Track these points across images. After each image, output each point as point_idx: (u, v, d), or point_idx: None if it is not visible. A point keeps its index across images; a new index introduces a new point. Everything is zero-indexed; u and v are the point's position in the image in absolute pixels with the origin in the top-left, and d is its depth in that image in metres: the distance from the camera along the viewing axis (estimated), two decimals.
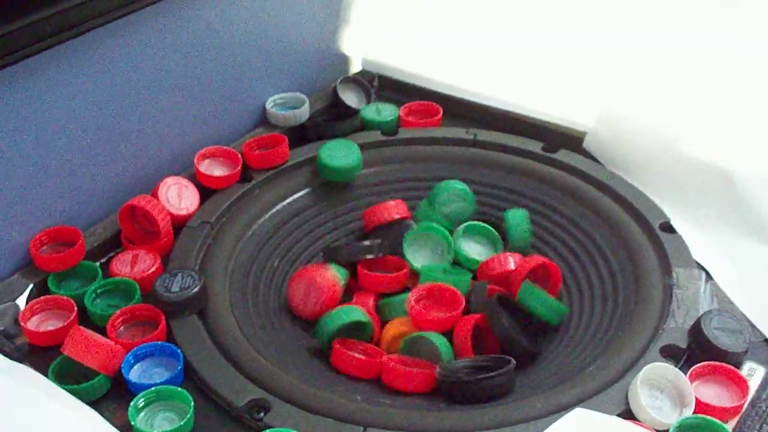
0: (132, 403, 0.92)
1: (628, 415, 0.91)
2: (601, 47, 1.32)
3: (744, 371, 0.97)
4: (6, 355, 0.98)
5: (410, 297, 1.10)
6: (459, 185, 1.25)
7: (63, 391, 0.92)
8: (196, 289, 1.05)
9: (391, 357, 1.05)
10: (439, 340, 1.07)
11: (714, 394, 0.94)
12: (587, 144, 1.33)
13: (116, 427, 0.88)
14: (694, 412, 0.90)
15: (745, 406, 0.93)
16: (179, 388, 0.94)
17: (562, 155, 1.30)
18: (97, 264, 1.14)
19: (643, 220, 1.17)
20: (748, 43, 1.20)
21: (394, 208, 1.24)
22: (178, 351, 0.99)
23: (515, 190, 1.29)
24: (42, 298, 1.06)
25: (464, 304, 1.10)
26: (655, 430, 0.88)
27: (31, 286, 1.09)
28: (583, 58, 1.35)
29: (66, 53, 1.06)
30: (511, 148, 1.33)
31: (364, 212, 1.26)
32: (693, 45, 1.24)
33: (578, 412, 0.85)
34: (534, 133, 1.37)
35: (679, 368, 0.95)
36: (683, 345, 0.99)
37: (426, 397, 1.01)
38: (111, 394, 0.97)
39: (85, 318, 1.06)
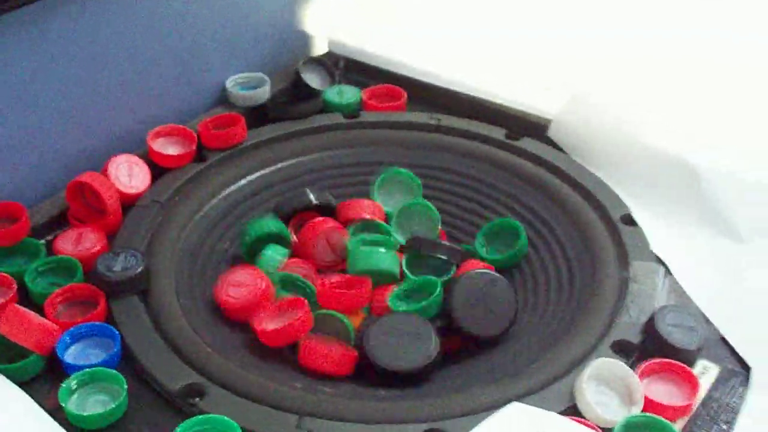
0: (63, 384, 0.89)
1: (573, 411, 0.88)
2: (569, 35, 1.30)
3: (696, 369, 0.94)
4: None
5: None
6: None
7: None
8: (138, 270, 1.02)
9: (309, 336, 1.02)
10: (347, 320, 1.06)
11: (664, 392, 0.91)
12: (552, 132, 1.30)
13: (48, 409, 0.87)
14: (643, 410, 0.87)
15: (696, 405, 0.90)
16: (113, 371, 0.91)
17: (526, 143, 1.28)
18: (42, 242, 1.11)
19: (604, 212, 1.15)
20: (716, 35, 1.18)
21: (370, 208, 1.21)
22: (116, 332, 0.96)
23: (477, 178, 1.27)
24: None
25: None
26: (601, 427, 0.85)
27: None
28: (551, 45, 1.33)
29: (11, 22, 1.03)
30: (475, 134, 1.30)
31: (341, 204, 1.22)
32: (662, 36, 1.22)
33: (515, 406, 0.82)
34: (498, 119, 1.34)
35: (630, 365, 0.93)
36: (635, 341, 0.96)
37: (366, 383, 0.99)
38: (45, 375, 0.94)
39: (26, 297, 1.03)
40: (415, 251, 1.14)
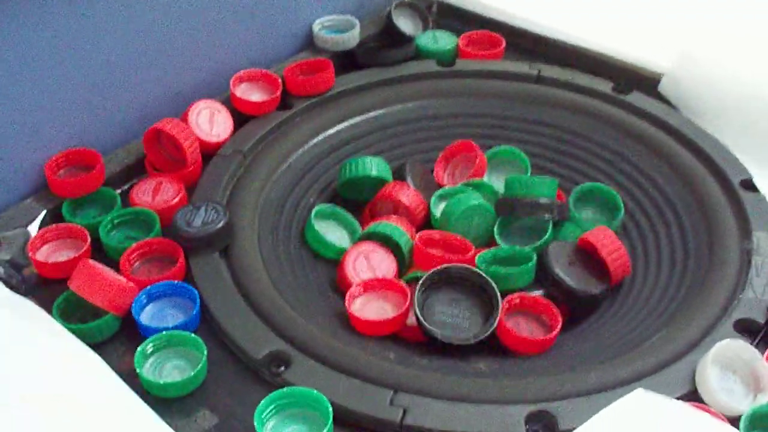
0: (139, 349, 0.84)
1: (693, 397, 0.81)
2: None
3: None
4: (12, 287, 0.91)
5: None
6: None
7: (64, 330, 0.84)
8: (220, 224, 0.96)
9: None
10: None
11: None
12: (663, 87, 1.22)
13: (122, 372, 0.82)
14: None
15: None
16: (192, 334, 0.86)
17: (635, 98, 1.19)
18: (117, 192, 1.05)
19: (722, 176, 1.06)
20: None
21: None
22: (195, 292, 0.90)
23: (580, 133, 1.19)
24: (54, 226, 0.99)
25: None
26: (725, 416, 0.78)
27: (44, 212, 1.01)
28: None
29: None
30: (579, 86, 1.22)
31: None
32: None
33: (639, 393, 0.74)
34: (604, 71, 1.26)
35: (755, 346, 0.85)
36: (761, 319, 0.89)
37: (466, 356, 0.92)
38: (120, 337, 0.89)
39: (100, 250, 0.98)
40: (509, 213, 1.07)
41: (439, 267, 0.96)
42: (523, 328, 0.95)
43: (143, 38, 1.08)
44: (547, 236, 1.04)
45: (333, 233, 1.08)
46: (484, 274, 0.95)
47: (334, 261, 1.04)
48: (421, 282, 0.95)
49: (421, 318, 0.93)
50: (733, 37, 1.18)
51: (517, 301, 0.96)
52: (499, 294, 0.94)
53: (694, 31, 1.22)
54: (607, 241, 1.00)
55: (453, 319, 0.95)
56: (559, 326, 0.93)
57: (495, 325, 0.92)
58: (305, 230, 1.07)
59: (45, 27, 0.96)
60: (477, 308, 0.96)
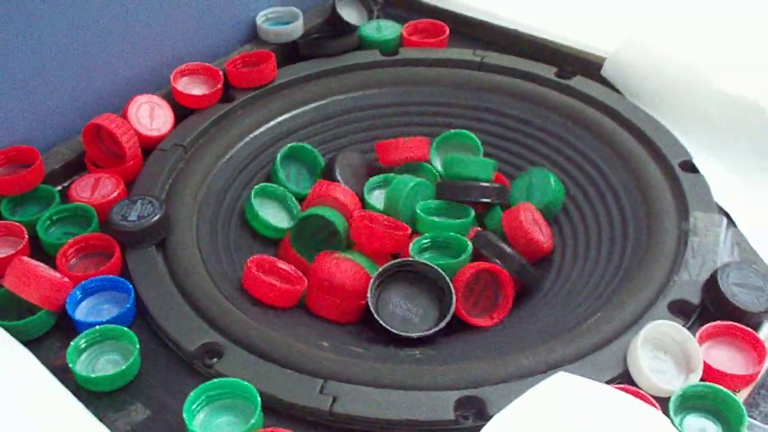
0: (72, 344, 0.84)
1: (626, 378, 0.81)
2: None
3: (763, 334, 0.86)
4: None
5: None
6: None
7: None
8: (155, 218, 0.95)
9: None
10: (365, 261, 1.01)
11: (726, 358, 0.84)
12: (606, 71, 1.21)
13: (57, 368, 0.81)
14: (702, 379, 0.80)
15: (761, 374, 0.82)
16: (125, 328, 0.85)
17: (578, 82, 1.19)
18: (58, 189, 1.05)
19: (662, 158, 1.06)
20: None
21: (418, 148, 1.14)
22: (130, 286, 0.90)
23: (524, 119, 1.19)
24: None
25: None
26: (655, 397, 0.78)
27: None
28: None
29: None
30: (522, 72, 1.22)
31: (379, 144, 1.16)
32: None
33: (561, 376, 0.74)
34: (548, 57, 1.26)
35: (689, 327, 0.86)
36: (695, 301, 0.89)
37: (403, 344, 0.93)
38: (56, 332, 0.89)
39: (39, 248, 0.97)
40: (447, 196, 1.09)
41: (394, 261, 0.97)
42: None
43: (81, 33, 1.07)
44: (468, 219, 1.06)
45: (272, 212, 1.09)
46: (439, 270, 0.96)
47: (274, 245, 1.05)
48: (376, 275, 0.96)
49: (374, 311, 0.94)
50: (674, 22, 1.18)
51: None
52: (453, 288, 0.95)
53: (636, 16, 1.21)
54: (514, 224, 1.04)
55: (406, 312, 0.96)
56: None
57: (447, 320, 0.94)
58: (245, 207, 1.07)
59: None
60: (428, 301, 0.97)
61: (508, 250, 1.00)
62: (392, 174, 1.13)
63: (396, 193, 1.07)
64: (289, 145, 1.13)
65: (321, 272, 0.96)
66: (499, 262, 0.99)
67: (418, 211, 1.05)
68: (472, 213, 1.05)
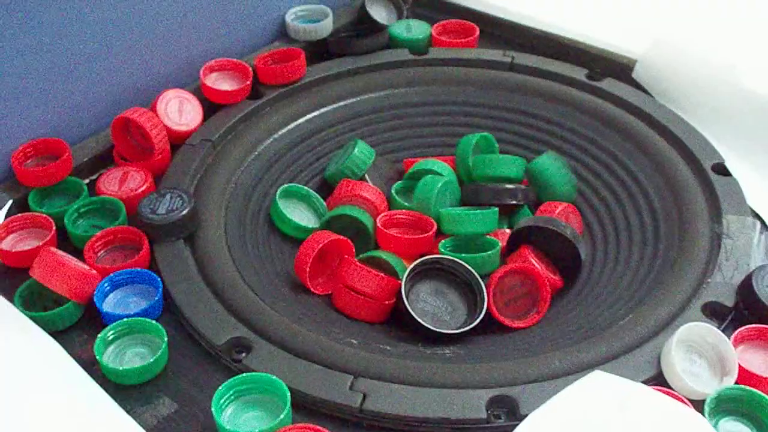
0: (100, 336, 0.83)
1: (659, 380, 0.80)
2: None
3: None
4: None
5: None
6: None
7: (25, 317, 0.84)
8: (184, 212, 0.95)
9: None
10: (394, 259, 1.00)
11: (761, 362, 0.83)
12: (637, 73, 1.21)
13: (83, 361, 0.81)
14: (737, 382, 0.79)
15: None
16: (153, 321, 0.85)
17: (608, 84, 1.19)
18: (85, 182, 1.04)
19: (694, 160, 1.06)
20: None
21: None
22: (158, 279, 0.90)
23: (554, 121, 1.18)
24: (20, 215, 0.98)
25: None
26: (690, 399, 0.77)
27: (10, 202, 1.00)
28: None
29: None
30: (552, 73, 1.21)
31: (407, 161, 1.17)
32: None
33: (597, 375, 0.73)
34: (578, 58, 1.25)
35: (723, 330, 0.85)
36: (729, 303, 0.88)
37: (432, 343, 0.92)
38: (83, 324, 0.89)
39: (66, 240, 0.97)
40: (474, 199, 1.08)
41: (424, 258, 0.97)
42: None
43: (112, 28, 1.07)
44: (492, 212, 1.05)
45: (298, 212, 1.08)
46: (468, 266, 0.96)
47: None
48: (407, 272, 0.96)
49: (408, 307, 0.93)
50: (704, 23, 1.17)
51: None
52: (484, 287, 0.95)
53: (667, 18, 1.21)
54: None
55: (436, 309, 0.95)
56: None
57: (481, 317, 0.93)
58: (271, 209, 1.07)
59: (10, 16, 0.95)
60: (461, 300, 0.96)
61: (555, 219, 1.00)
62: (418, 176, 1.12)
63: (425, 191, 1.06)
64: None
65: (345, 279, 0.95)
66: (551, 227, 0.99)
67: (442, 211, 1.04)
68: (498, 245, 1.02)
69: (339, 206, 1.06)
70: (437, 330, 0.92)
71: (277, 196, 1.06)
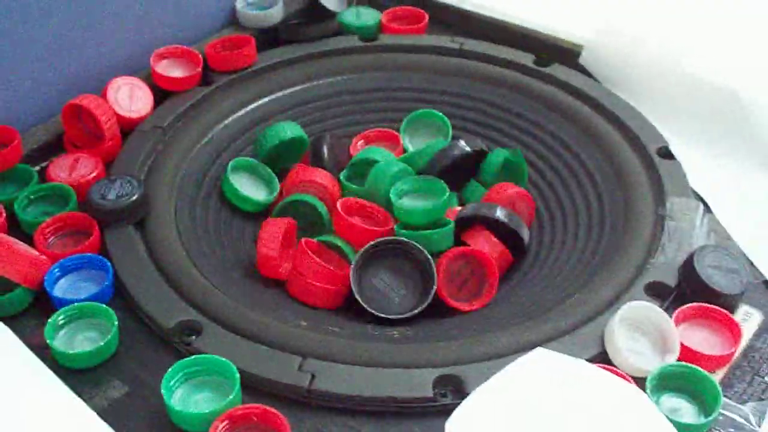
0: (50, 320, 0.83)
1: (603, 358, 0.82)
2: None
3: (738, 316, 0.87)
4: None
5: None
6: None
7: None
8: (134, 197, 0.95)
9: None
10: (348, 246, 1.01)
11: (702, 339, 0.84)
12: (584, 59, 1.22)
13: (34, 346, 0.81)
14: (678, 359, 0.80)
15: (737, 354, 0.83)
16: (103, 305, 0.85)
17: (555, 70, 1.19)
18: (35, 168, 1.04)
19: (639, 144, 1.07)
20: None
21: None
22: (108, 264, 0.90)
23: (502, 106, 1.19)
24: None
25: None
26: (632, 377, 0.78)
27: None
28: None
29: None
30: (500, 59, 1.22)
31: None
32: None
33: (539, 352, 0.74)
34: (526, 44, 1.26)
35: (666, 309, 0.86)
36: (672, 283, 0.89)
37: (381, 324, 0.93)
38: (33, 310, 0.89)
39: (17, 226, 0.97)
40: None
41: (375, 240, 0.97)
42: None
43: (60, 14, 1.07)
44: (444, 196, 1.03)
45: (250, 186, 1.09)
46: (423, 249, 0.96)
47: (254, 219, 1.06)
48: (357, 256, 0.97)
49: (356, 292, 0.95)
50: (650, 8, 1.18)
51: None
52: (434, 268, 0.95)
53: (613, 3, 1.22)
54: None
55: (388, 290, 0.96)
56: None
57: (427, 302, 0.94)
58: (222, 184, 1.07)
59: None
60: (412, 281, 0.97)
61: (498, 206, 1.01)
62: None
63: (377, 180, 1.06)
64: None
65: (299, 267, 0.96)
66: (489, 215, 1.00)
67: (392, 197, 1.03)
68: (451, 223, 1.02)
69: (293, 193, 1.06)
70: (383, 316, 0.93)
71: (228, 169, 1.06)
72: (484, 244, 1.00)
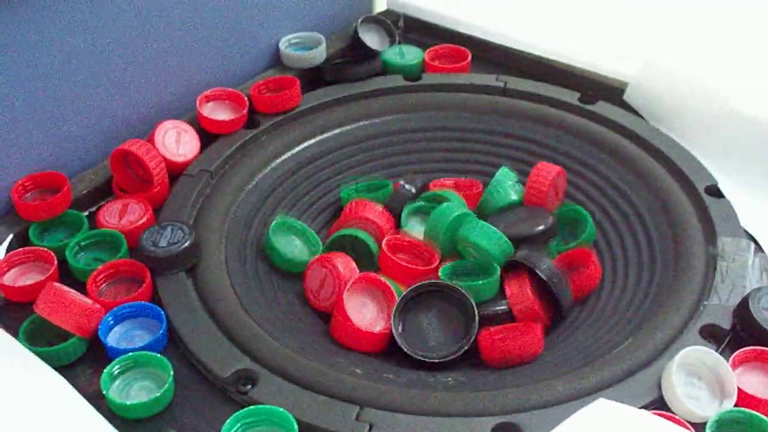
0: (105, 370, 0.83)
1: (660, 404, 0.81)
2: None
3: None
4: None
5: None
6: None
7: (29, 353, 0.84)
8: (186, 244, 0.95)
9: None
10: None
11: (760, 384, 0.83)
12: (628, 96, 1.22)
13: (89, 395, 0.81)
14: (736, 405, 0.80)
15: None
16: (158, 355, 0.85)
17: (601, 107, 1.19)
18: (85, 214, 1.05)
19: (687, 182, 1.06)
20: None
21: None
22: (161, 312, 0.90)
23: (548, 144, 1.18)
24: (21, 249, 0.98)
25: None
26: (690, 423, 0.78)
27: (10, 236, 1.01)
28: (627, 2, 1.23)
29: None
30: (545, 97, 1.22)
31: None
32: None
33: (602, 403, 0.74)
34: (570, 82, 1.26)
35: (721, 352, 0.86)
36: (727, 326, 0.89)
37: (434, 371, 0.93)
38: (87, 359, 0.89)
39: (68, 273, 0.98)
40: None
41: (421, 283, 0.97)
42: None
43: (109, 60, 1.08)
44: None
45: (291, 246, 1.08)
46: (463, 290, 0.96)
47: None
48: (399, 299, 0.96)
49: (397, 336, 0.94)
50: (695, 45, 1.18)
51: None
52: (476, 311, 0.95)
53: (658, 40, 1.21)
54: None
55: (429, 336, 0.95)
56: None
57: (471, 342, 0.93)
58: (264, 245, 1.07)
59: (8, 48, 0.96)
60: (454, 324, 0.96)
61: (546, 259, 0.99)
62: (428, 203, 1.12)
63: (437, 222, 1.05)
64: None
65: (340, 313, 0.95)
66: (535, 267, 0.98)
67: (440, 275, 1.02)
68: (498, 271, 1.00)
69: (343, 227, 1.06)
70: (423, 359, 0.93)
71: (269, 230, 1.05)
72: (518, 292, 0.99)
